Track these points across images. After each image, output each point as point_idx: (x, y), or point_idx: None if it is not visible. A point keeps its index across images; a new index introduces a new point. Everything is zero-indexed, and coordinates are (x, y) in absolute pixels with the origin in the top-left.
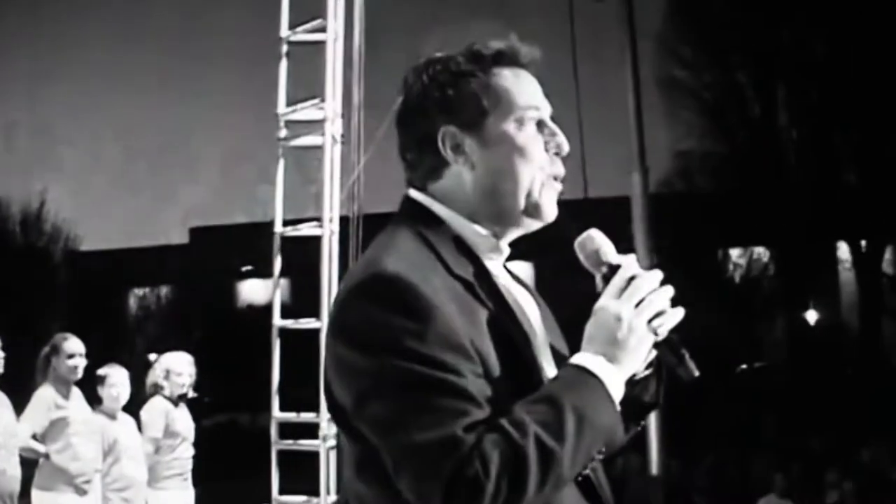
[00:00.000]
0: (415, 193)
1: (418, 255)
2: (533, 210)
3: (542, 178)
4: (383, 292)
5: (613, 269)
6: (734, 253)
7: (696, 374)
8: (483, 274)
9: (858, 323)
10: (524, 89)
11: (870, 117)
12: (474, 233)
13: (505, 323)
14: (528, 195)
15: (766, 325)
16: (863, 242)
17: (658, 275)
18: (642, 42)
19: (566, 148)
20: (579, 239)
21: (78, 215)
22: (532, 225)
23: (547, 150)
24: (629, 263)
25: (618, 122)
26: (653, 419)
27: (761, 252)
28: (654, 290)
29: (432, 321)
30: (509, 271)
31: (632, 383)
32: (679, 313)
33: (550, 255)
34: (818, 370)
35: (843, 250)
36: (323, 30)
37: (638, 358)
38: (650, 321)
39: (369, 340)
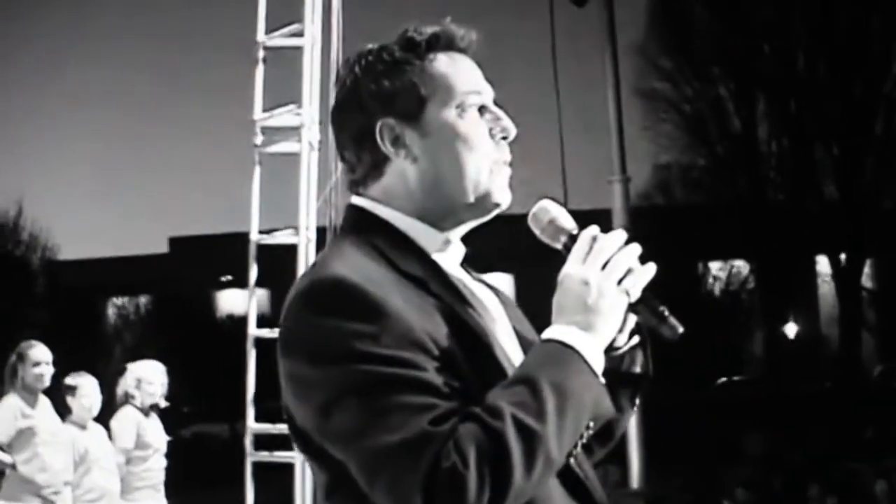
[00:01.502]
0: (356, 199)
1: (363, 258)
2: (483, 198)
3: (488, 164)
4: (327, 298)
5: (573, 237)
6: (714, 266)
7: (681, 330)
8: (434, 269)
9: (838, 336)
10: (463, 74)
11: (849, 131)
12: (420, 230)
13: (462, 315)
14: (476, 184)
15: (746, 339)
16: (842, 256)
17: (622, 234)
18: (623, 54)
19: (513, 131)
20: (532, 212)
21: (56, 224)
22: (483, 214)
23: (492, 136)
24: (589, 228)
25: (599, 134)
26: (633, 432)
27: (741, 265)
28: (620, 250)
29: (384, 320)
30: (468, 270)
31: (619, 357)
32: (650, 269)
33: (531, 267)
34: (798, 383)
35: (823, 264)
36: (300, 34)
37: (613, 322)
38: (620, 282)
39: (321, 351)
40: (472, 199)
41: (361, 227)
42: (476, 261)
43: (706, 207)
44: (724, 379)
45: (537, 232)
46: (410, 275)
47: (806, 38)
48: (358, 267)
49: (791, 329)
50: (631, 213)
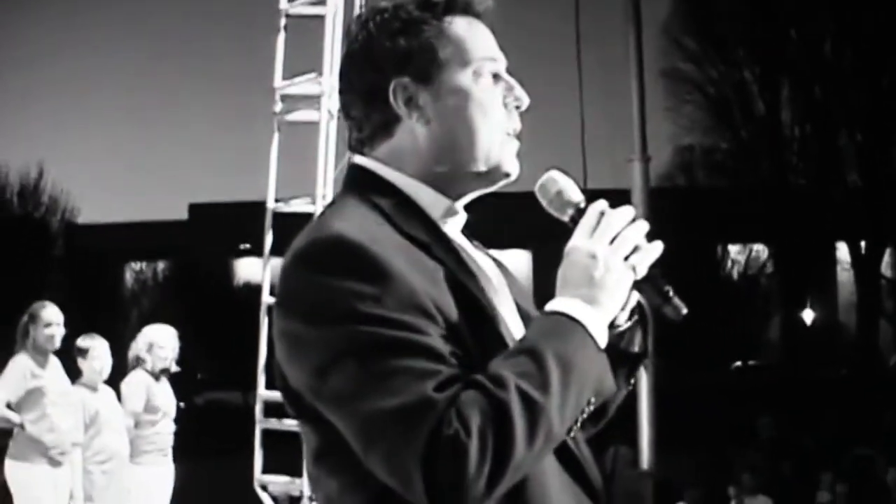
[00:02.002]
0: (360, 159)
1: (366, 218)
2: (493, 168)
3: (500, 133)
4: (329, 256)
5: (581, 210)
6: (733, 249)
7: (685, 311)
8: (438, 234)
9: (855, 324)
10: (480, 39)
11: (874, 118)
12: (426, 194)
13: (465, 282)
14: (488, 152)
15: (763, 323)
16: (862, 244)
17: (630, 210)
18: (648, 33)
19: (526, 101)
20: (539, 182)
21: (76, 187)
22: (491, 184)
23: (505, 105)
24: (598, 202)
25: (621, 114)
26: (645, 412)
27: (760, 250)
28: (628, 226)
29: (387, 281)
30: (470, 239)
31: (618, 335)
32: (657, 247)
33: (549, 243)
34: (813, 370)
35: (843, 251)
36: (323, 3)
37: (618, 298)
38: (627, 258)
39: (320, 309)
40: (482, 167)
41: (365, 188)
42: (494, 238)
43: (727, 190)
44: (739, 363)
45: (544, 203)
46: (415, 238)
47: (833, 24)
48: (361, 226)
49: (808, 315)
50: (651, 194)
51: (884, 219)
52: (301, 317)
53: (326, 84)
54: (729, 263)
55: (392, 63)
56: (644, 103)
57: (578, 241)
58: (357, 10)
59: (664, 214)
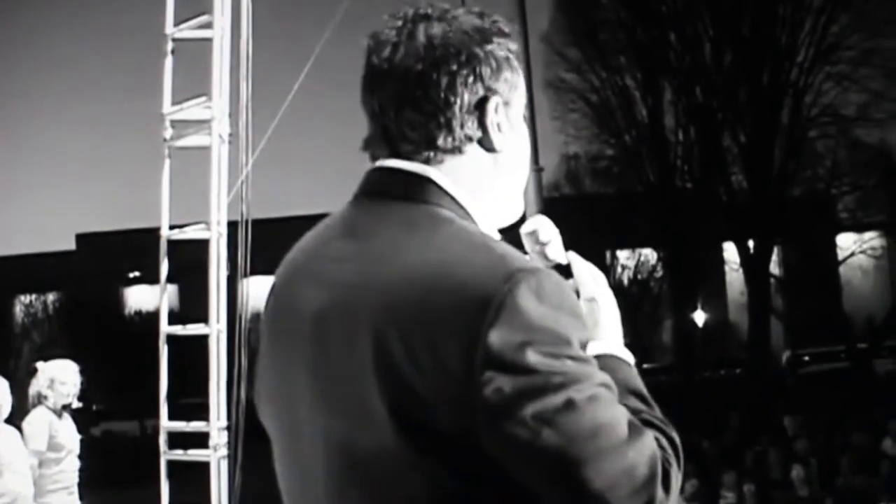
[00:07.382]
0: (423, 168)
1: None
2: (514, 212)
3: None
4: (560, 294)
5: (562, 268)
6: (622, 255)
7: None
8: None
9: (747, 323)
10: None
11: (756, 117)
12: (492, 230)
13: None
14: (518, 203)
15: (656, 327)
16: (750, 243)
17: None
18: (532, 45)
19: None
20: (529, 227)
21: None
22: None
23: None
24: (574, 258)
25: None
26: None
27: (649, 254)
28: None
29: (583, 323)
30: None
31: None
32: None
33: None
34: (708, 371)
35: (731, 251)
36: (209, 26)
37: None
38: None
39: (558, 349)
40: (509, 218)
41: (450, 209)
42: None
43: (614, 196)
44: None
45: (526, 246)
46: None
47: (712, 26)
48: None
49: (700, 316)
50: (542, 204)
51: (770, 217)
52: (541, 354)
53: (216, 108)
54: (619, 269)
55: (492, 79)
56: (534, 115)
57: (601, 290)
58: (244, 33)
59: (554, 223)
